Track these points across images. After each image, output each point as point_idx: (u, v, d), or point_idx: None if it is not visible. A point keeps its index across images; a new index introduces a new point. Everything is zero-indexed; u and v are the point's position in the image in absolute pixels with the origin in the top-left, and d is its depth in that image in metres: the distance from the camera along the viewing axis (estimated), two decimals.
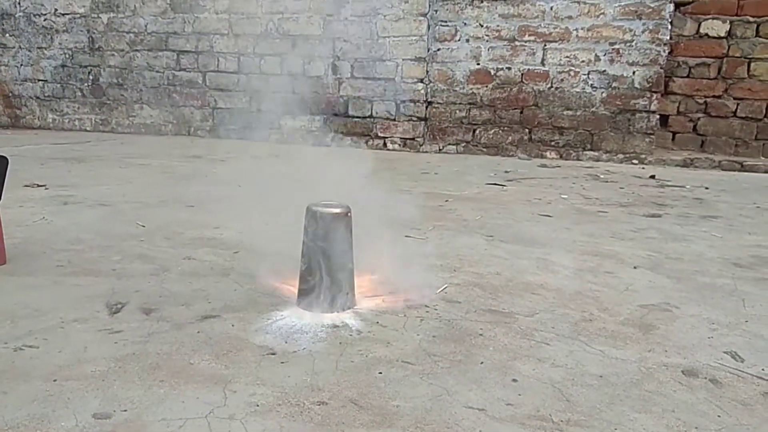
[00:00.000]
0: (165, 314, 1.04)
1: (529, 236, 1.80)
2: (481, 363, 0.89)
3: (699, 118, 4.40)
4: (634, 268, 1.47)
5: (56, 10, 5.23)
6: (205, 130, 4.96)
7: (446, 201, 2.38)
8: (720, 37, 4.24)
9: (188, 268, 1.33)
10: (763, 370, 0.91)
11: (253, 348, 0.91)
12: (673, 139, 4.50)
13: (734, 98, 4.28)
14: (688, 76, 4.37)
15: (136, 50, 5.01)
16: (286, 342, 0.94)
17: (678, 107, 4.43)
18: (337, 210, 1.09)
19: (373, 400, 0.76)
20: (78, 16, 5.17)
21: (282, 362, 0.87)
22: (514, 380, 0.83)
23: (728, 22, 4.22)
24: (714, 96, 4.34)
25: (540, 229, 1.92)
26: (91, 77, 5.24)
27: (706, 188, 3.05)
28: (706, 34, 4.27)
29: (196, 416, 0.70)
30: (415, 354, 0.91)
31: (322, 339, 0.96)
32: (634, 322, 1.10)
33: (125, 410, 0.71)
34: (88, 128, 5.33)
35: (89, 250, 1.43)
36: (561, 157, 4.15)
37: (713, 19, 4.24)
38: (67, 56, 5.30)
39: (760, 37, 4.18)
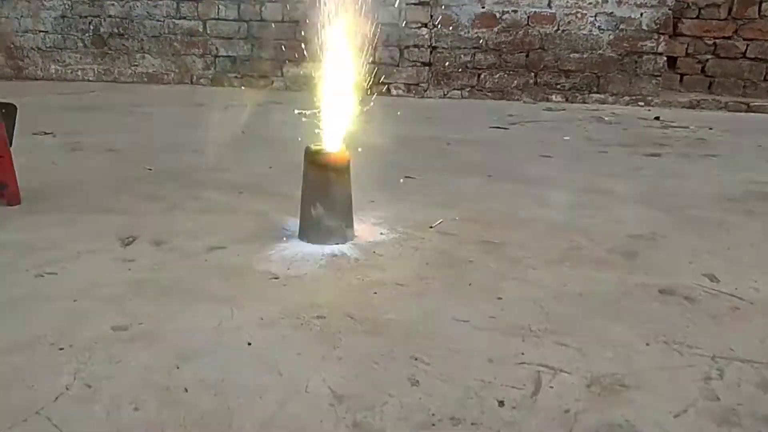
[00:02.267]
0: (174, 246, 1.10)
1: (528, 176, 1.84)
2: (470, 284, 0.95)
3: (708, 60, 4.33)
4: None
5: None
6: (207, 79, 4.95)
7: (448, 144, 2.41)
8: None
9: (196, 206, 1.39)
10: (736, 289, 0.97)
11: (257, 273, 0.97)
12: (681, 80, 4.44)
13: (744, 39, 4.20)
14: (697, 17, 4.28)
15: None
16: (288, 268, 1.00)
17: (686, 49, 4.36)
18: (335, 150, 1.13)
19: (368, 314, 0.83)
20: None
21: (284, 285, 0.93)
22: (499, 298, 0.90)
23: None
24: (723, 37, 4.26)
25: (540, 170, 1.95)
26: (91, 27, 5.20)
27: (710, 129, 3.05)
28: None
29: (206, 327, 0.77)
30: (409, 278, 0.97)
31: (322, 266, 1.02)
32: (620, 250, 1.15)
33: (141, 323, 0.78)
34: (90, 78, 5.32)
35: (100, 191, 1.50)
36: (567, 100, 4.12)
37: None
38: (66, 6, 5.24)
39: None
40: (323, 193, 1.14)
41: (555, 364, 0.72)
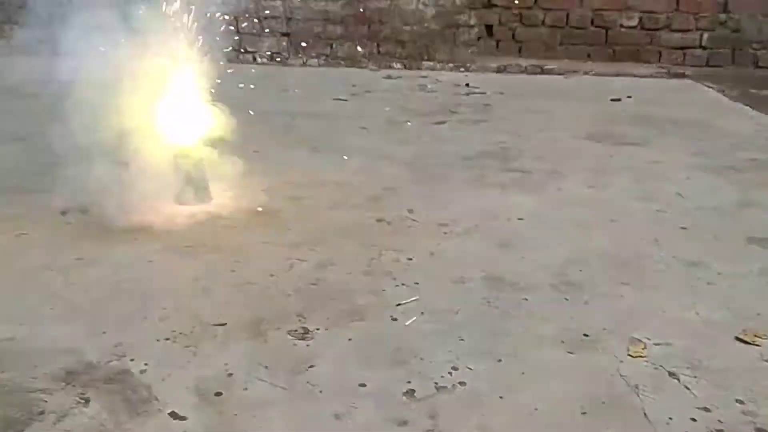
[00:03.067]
0: (94, 211, 1.77)
1: (342, 146, 2.62)
2: (274, 225, 1.73)
3: (516, 28, 5.30)
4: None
5: None
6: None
7: (293, 120, 3.13)
8: None
9: (102, 183, 2.04)
10: (417, 217, 1.82)
11: (147, 227, 1.69)
12: (497, 47, 5.41)
13: (542, 8, 5.19)
14: None
15: None
16: (169, 222, 1.73)
17: (499, 18, 5.30)
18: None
19: (214, 243, 1.58)
20: None
21: (167, 232, 1.66)
22: (289, 229, 1.68)
23: None
24: (527, 8, 5.22)
25: (354, 140, 2.74)
26: None
27: (502, 93, 3.99)
28: None
29: (121, 257, 1.49)
30: (242, 221, 1.73)
31: (189, 219, 1.75)
32: (370, 198, 1.97)
33: (81, 258, 1.49)
34: None
35: (24, 176, 2.09)
36: (405, 67, 4.95)
37: None
38: None
39: None
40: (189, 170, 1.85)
41: (303, 258, 1.52)
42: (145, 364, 1.10)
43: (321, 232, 1.68)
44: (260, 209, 1.85)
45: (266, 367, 1.09)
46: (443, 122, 3.15)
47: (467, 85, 4.28)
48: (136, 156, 2.30)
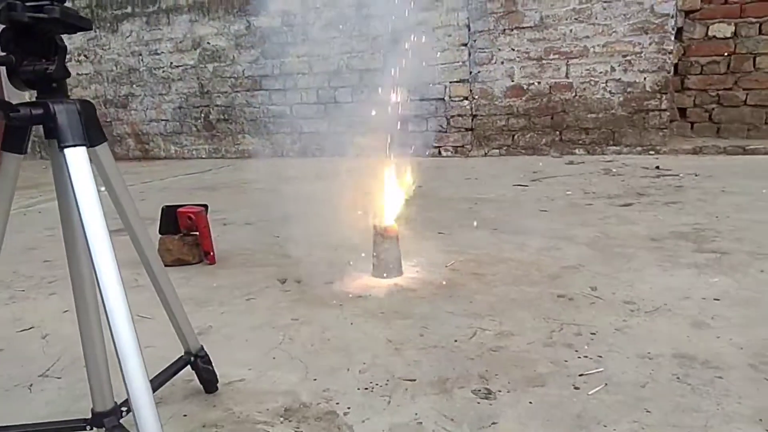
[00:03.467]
0: (306, 282, 2.08)
1: (523, 228, 2.72)
2: (458, 296, 1.86)
3: (713, 109, 5.05)
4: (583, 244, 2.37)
5: (171, 63, 6.52)
6: (294, 152, 6.10)
7: (475, 204, 3.32)
8: (727, 38, 4.88)
9: (313, 259, 2.37)
10: (601, 294, 1.82)
11: (351, 294, 1.93)
12: (692, 128, 5.19)
13: (743, 89, 4.91)
14: (701, 73, 5.04)
15: (237, 91, 6.22)
16: (366, 291, 1.95)
17: (694, 100, 5.11)
18: (387, 225, 2.09)
19: (404, 311, 1.76)
20: (189, 66, 6.43)
21: (364, 300, 1.88)
22: (471, 302, 1.80)
23: (733, 23, 4.85)
24: (725, 89, 4.99)
25: (533, 222, 2.82)
26: (203, 115, 6.52)
27: (696, 175, 3.79)
28: (714, 36, 4.91)
29: (331, 318, 1.73)
30: (428, 294, 1.90)
31: (384, 290, 1.96)
32: (550, 275, 2.02)
33: (303, 317, 1.75)
34: (203, 156, 6.63)
35: (254, 253, 2.52)
36: (588, 153, 4.94)
37: (719, 22, 4.88)
38: (182, 99, 6.60)
39: (762, 35, 4.79)
40: (384, 251, 2.09)
41: (486, 327, 1.62)
42: (348, 408, 1.26)
43: (502, 305, 1.77)
44: (445, 283, 2.00)
45: (452, 419, 1.19)
46: (629, 204, 3.08)
47: (657, 167, 4.14)
48: (344, 236, 2.67)
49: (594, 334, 1.53)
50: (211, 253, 2.37)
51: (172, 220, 2.35)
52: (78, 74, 7.16)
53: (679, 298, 1.75)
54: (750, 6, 4.71)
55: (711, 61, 4.88)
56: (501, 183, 3.92)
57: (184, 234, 2.38)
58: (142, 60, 6.68)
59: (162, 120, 6.74)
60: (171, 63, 6.50)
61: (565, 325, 1.60)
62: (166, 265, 2.36)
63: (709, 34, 4.86)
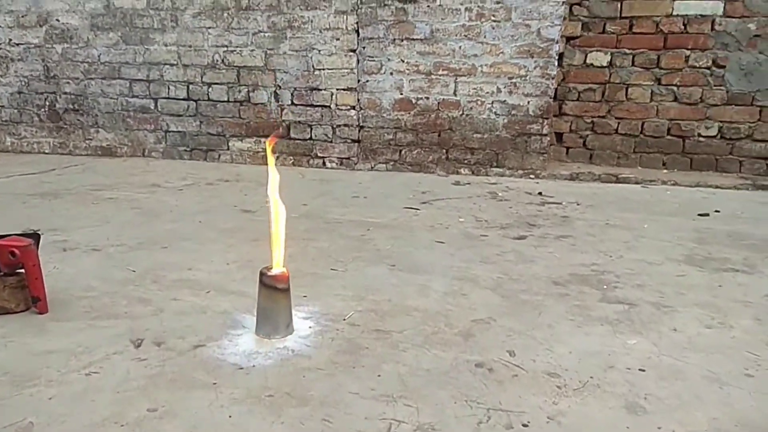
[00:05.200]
0: (170, 346, 1.66)
1: (421, 264, 2.49)
2: (363, 366, 1.56)
3: (587, 135, 5.23)
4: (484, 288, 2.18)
5: (10, 40, 5.54)
6: (158, 152, 5.44)
7: (368, 230, 3.04)
8: (603, 66, 5.06)
9: (177, 308, 1.94)
10: (522, 362, 1.62)
11: (229, 365, 1.55)
12: (567, 153, 5.33)
13: (615, 117, 5.13)
14: (578, 100, 5.19)
15: (91, 78, 5.41)
16: (248, 360, 1.58)
17: (570, 126, 5.26)
18: (277, 273, 1.73)
19: (298, 392, 1.42)
20: (32, 46, 5.50)
21: (246, 373, 1.51)
22: (379, 375, 1.51)
23: (609, 53, 5.03)
24: (599, 116, 5.17)
25: (432, 257, 2.61)
26: (47, 103, 5.61)
27: (578, 204, 3.82)
28: (592, 64, 5.07)
29: (203, 407, 1.34)
30: (325, 363, 1.57)
31: (270, 357, 1.60)
32: (463, 333, 1.79)
33: (164, 406, 1.34)
34: (47, 151, 5.71)
35: (102, 296, 2.03)
36: (473, 173, 4.88)
37: (597, 51, 5.05)
38: (23, 83, 5.64)
39: (635, 66, 5.02)
40: (272, 303, 1.73)
41: (401, 418, 1.33)
42: None
43: (416, 380, 1.49)
44: (345, 345, 1.69)
45: None
46: (523, 237, 2.98)
47: (540, 193, 4.15)
48: (218, 270, 2.25)
49: (526, 426, 1.30)
50: (42, 300, 1.85)
51: None
52: None
53: (603, 368, 1.60)
54: (625, 37, 4.92)
55: (587, 89, 5.05)
56: (391, 204, 3.69)
57: (5, 274, 1.83)
58: None
59: None
60: (10, 40, 5.49)
61: (492, 412, 1.36)
62: None
63: (587, 61, 5.03)
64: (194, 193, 3.89)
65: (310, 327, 1.82)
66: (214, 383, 1.45)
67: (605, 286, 2.26)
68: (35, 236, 1.90)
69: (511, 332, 1.82)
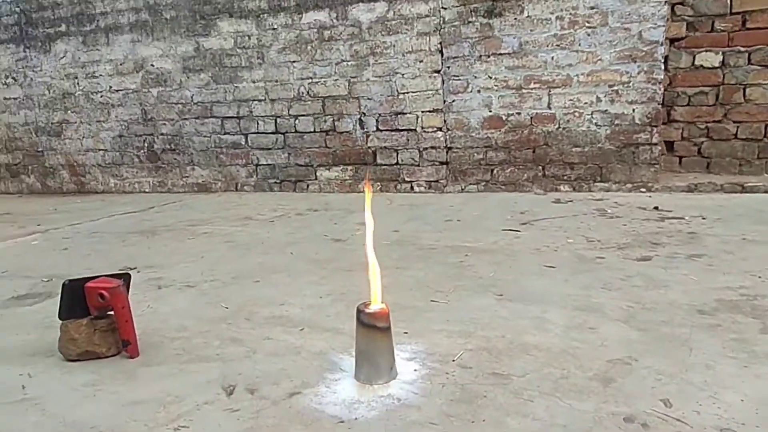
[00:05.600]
0: (264, 393, 1.49)
1: (531, 292, 2.21)
2: (483, 420, 1.31)
3: (702, 142, 4.72)
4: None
5: (110, 87, 5.84)
6: (250, 185, 5.49)
7: (466, 255, 2.80)
8: (714, 67, 4.57)
9: (270, 348, 1.78)
10: (683, 414, 1.31)
11: (328, 418, 1.35)
12: (680, 162, 4.84)
13: (734, 122, 4.60)
14: (688, 105, 4.72)
15: (185, 118, 5.58)
16: (349, 411, 1.38)
17: (682, 133, 4.77)
18: (376, 310, 1.53)
19: None
20: (130, 91, 5.76)
21: (348, 428, 1.31)
22: None
23: (721, 53, 4.55)
24: (714, 121, 4.67)
25: (542, 283, 2.32)
26: (146, 144, 5.84)
27: (703, 218, 3.38)
28: (702, 65, 4.60)
29: None
30: (438, 416, 1.34)
31: (374, 408, 1.39)
32: (600, 377, 1.50)
33: None
34: (147, 190, 5.94)
35: (194, 336, 1.91)
36: (574, 189, 4.51)
37: (706, 51, 4.58)
38: (123, 127, 5.91)
39: (752, 64, 4.50)
40: (371, 343, 1.53)
41: None
42: None
43: None
44: (459, 394, 1.44)
45: None
46: (647, 258, 2.62)
47: (656, 208, 3.73)
48: (311, 305, 2.09)
49: None
50: (132, 343, 1.75)
51: (77, 298, 1.73)
52: (5, 98, 6.38)
53: None
54: (738, 34, 4.43)
55: (699, 92, 4.58)
56: (487, 226, 3.43)
57: (95, 318, 1.76)
58: (77, 83, 5.98)
59: (100, 150, 6.02)
60: (110, 87, 5.82)
61: None
62: (69, 360, 1.74)
63: (696, 63, 4.56)
64: (285, 225, 3.82)
65: (415, 370, 1.59)
66: None
67: (764, 314, 1.87)
68: (125, 276, 1.82)
69: (661, 375, 1.50)
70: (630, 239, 2.98)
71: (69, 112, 6.07)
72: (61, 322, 1.74)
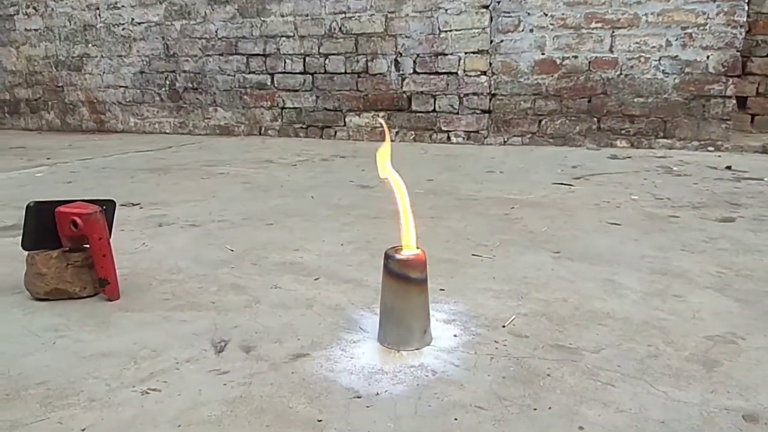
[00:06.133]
0: (262, 353, 1.17)
1: (596, 251, 1.84)
2: (549, 408, 0.97)
3: None
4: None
5: (133, 19, 5.51)
6: (274, 130, 5.16)
7: (512, 208, 2.42)
8: None
9: (276, 299, 1.46)
10: None
11: (341, 391, 1.03)
12: (752, 121, 4.33)
13: None
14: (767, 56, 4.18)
15: (209, 55, 5.24)
16: (369, 384, 1.05)
17: (757, 88, 4.25)
18: (410, 256, 1.18)
19: None
20: (153, 24, 5.43)
21: (367, 406, 0.98)
22: (581, 428, 0.91)
23: None
24: None
25: (607, 242, 1.94)
26: (167, 82, 5.53)
27: None
28: None
29: None
30: (487, 397, 1.00)
31: (401, 381, 1.06)
32: (699, 358, 1.14)
33: None
34: (167, 131, 5.65)
35: (189, 279, 1.60)
36: (632, 145, 4.07)
37: None
38: (145, 63, 5.60)
39: None
40: (402, 298, 1.19)
41: None
42: None
43: None
44: (512, 369, 1.10)
45: None
46: (731, 219, 2.21)
47: (729, 167, 3.27)
48: (330, 253, 1.77)
49: None
50: (111, 283, 1.45)
51: (46, 225, 1.42)
52: (26, 30, 6.12)
53: None
54: None
55: None
56: (535, 180, 3.03)
57: (68, 250, 1.46)
58: (99, 15, 5.66)
59: (121, 86, 5.73)
60: (132, 19, 5.49)
61: None
62: (37, 299, 1.45)
63: None
64: (307, 169, 3.49)
65: (455, 336, 1.25)
66: (319, 421, 0.93)
67: None
68: (108, 203, 1.50)
69: None
70: (705, 198, 2.56)
71: (90, 45, 5.77)
72: (27, 253, 1.44)
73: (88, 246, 1.45)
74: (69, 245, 1.44)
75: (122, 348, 1.20)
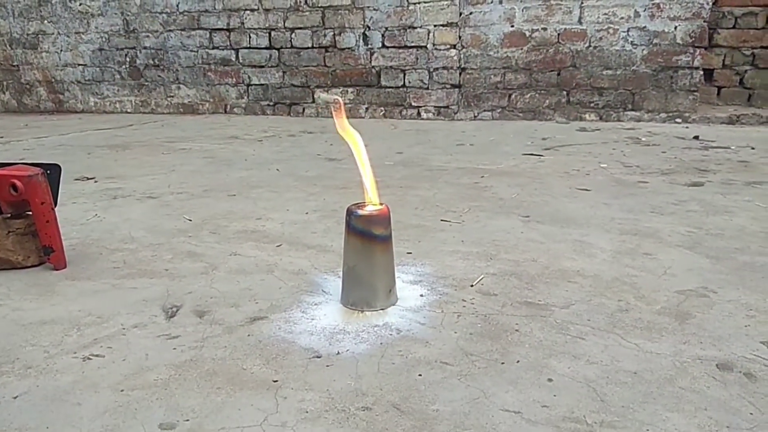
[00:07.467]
0: (217, 317, 1.11)
1: (566, 215, 1.81)
2: (517, 362, 0.92)
3: (746, 71, 4.24)
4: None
5: None
6: (240, 107, 5.04)
7: (482, 177, 2.38)
8: None
9: (235, 265, 1.39)
10: None
11: (299, 351, 0.97)
12: (718, 93, 4.37)
13: None
14: (734, 27, 4.21)
15: (170, 30, 5.06)
16: (329, 344, 0.99)
17: (723, 60, 4.29)
18: (373, 211, 1.12)
19: (413, 404, 0.81)
20: None
21: (327, 365, 0.92)
22: (550, 380, 0.87)
23: None
24: (762, 47, 4.17)
25: (578, 206, 1.91)
26: (128, 60, 5.35)
27: (752, 148, 2.96)
28: None
29: (252, 424, 0.77)
30: (453, 354, 0.95)
31: (364, 339, 1.01)
32: (671, 311, 1.11)
33: (187, 420, 0.78)
34: (129, 110, 5.47)
35: (142, 249, 1.52)
36: (601, 118, 4.07)
37: None
38: (104, 39, 5.40)
39: None
40: (364, 256, 1.13)
41: None
42: None
43: (618, 391, 0.84)
44: (480, 326, 1.05)
45: None
46: (698, 184, 2.20)
47: (696, 137, 3.29)
48: (292, 221, 1.71)
49: None
50: (57, 251, 1.36)
51: None
52: None
53: None
54: None
55: (748, 12, 4.04)
56: (505, 151, 3.00)
57: (9, 217, 1.36)
58: None
59: (79, 65, 5.51)
60: None
61: None
62: None
63: None
64: (274, 144, 3.39)
65: (421, 295, 1.20)
66: (275, 381, 0.87)
67: None
68: (53, 167, 1.40)
69: (752, 310, 1.10)
70: (673, 165, 2.55)
71: (46, 21, 5.53)
72: None
73: (30, 213, 1.35)
74: (9, 211, 1.35)
75: (65, 315, 1.12)
